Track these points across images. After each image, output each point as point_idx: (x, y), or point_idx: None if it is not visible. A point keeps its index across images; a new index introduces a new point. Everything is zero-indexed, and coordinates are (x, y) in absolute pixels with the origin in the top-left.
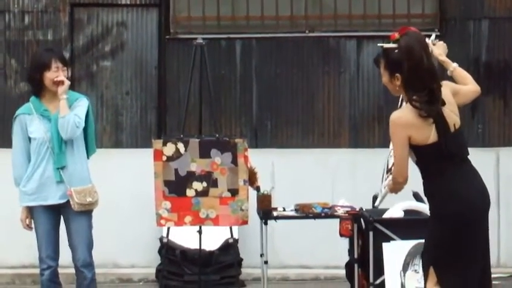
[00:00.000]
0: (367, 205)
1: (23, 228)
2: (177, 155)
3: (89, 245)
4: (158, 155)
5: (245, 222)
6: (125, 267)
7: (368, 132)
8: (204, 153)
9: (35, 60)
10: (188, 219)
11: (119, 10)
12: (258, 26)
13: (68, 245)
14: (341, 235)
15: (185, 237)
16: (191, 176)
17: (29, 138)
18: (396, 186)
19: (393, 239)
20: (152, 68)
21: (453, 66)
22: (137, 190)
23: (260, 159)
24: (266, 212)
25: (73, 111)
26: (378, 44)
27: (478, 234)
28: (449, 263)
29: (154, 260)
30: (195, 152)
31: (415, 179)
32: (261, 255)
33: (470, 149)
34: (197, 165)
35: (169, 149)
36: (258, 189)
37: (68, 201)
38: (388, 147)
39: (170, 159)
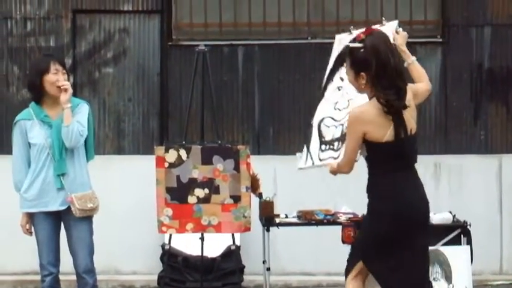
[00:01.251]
0: None
1: (24, 234)
2: (179, 161)
3: (91, 251)
4: (160, 161)
5: (248, 229)
6: (127, 273)
7: None
8: (206, 160)
9: (34, 65)
10: (189, 226)
11: (121, 17)
12: (260, 33)
13: (69, 251)
14: (344, 242)
15: (187, 244)
16: (193, 183)
17: (29, 144)
18: (338, 172)
19: None
20: (155, 75)
21: (412, 59)
22: (139, 196)
23: (262, 165)
24: (268, 218)
25: (75, 117)
26: (345, 44)
27: (412, 240)
28: (381, 260)
29: (156, 266)
30: (197, 159)
31: None
32: (263, 262)
33: (473, 156)
34: (199, 172)
35: (171, 156)
36: (260, 195)
37: (68, 208)
38: None
39: (172, 165)
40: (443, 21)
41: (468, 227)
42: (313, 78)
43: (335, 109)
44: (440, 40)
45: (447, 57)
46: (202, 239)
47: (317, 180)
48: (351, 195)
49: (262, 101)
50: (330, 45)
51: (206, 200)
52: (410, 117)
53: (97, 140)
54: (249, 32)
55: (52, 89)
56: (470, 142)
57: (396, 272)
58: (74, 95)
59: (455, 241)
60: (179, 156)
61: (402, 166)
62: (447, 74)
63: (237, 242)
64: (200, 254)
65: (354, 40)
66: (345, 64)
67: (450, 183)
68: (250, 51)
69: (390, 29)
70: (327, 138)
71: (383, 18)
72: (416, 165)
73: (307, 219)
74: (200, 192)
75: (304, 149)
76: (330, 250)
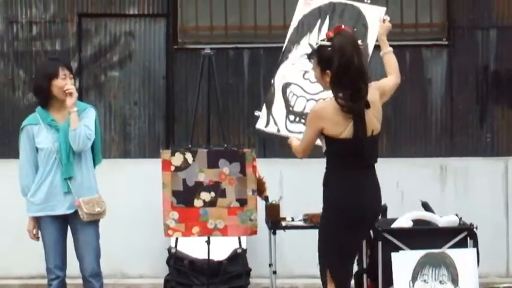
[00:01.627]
0: None
1: (30, 239)
2: (185, 165)
3: (97, 255)
4: (166, 165)
5: (254, 233)
6: (133, 277)
7: None
8: (212, 163)
9: (41, 69)
10: (196, 229)
11: (127, 20)
12: (266, 36)
13: (76, 255)
14: None
15: (193, 247)
16: (199, 186)
17: (36, 149)
18: (293, 152)
19: (402, 249)
20: (160, 78)
21: (387, 50)
22: (145, 200)
23: (268, 168)
24: (275, 222)
25: (82, 121)
26: (315, 42)
27: (358, 235)
28: (336, 257)
29: (162, 270)
30: (203, 162)
31: (423, 190)
32: (270, 265)
33: (479, 159)
34: (205, 176)
35: (177, 159)
36: (266, 199)
37: (75, 212)
38: (396, 156)
39: (178, 169)
40: (448, 23)
41: (474, 229)
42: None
43: (304, 78)
44: (446, 43)
45: (453, 60)
46: (208, 242)
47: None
48: None
49: None
50: None
51: (212, 203)
52: (373, 117)
53: (103, 143)
54: (255, 35)
55: (60, 93)
56: (476, 145)
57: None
58: (80, 98)
59: (462, 244)
60: (185, 160)
61: (358, 164)
62: (453, 76)
63: (244, 245)
64: (206, 257)
65: (323, 39)
66: (315, 30)
67: (456, 186)
68: (255, 54)
69: (377, 14)
70: (297, 109)
71: None
72: (423, 168)
73: (313, 222)
74: (206, 196)
75: (264, 108)
76: None
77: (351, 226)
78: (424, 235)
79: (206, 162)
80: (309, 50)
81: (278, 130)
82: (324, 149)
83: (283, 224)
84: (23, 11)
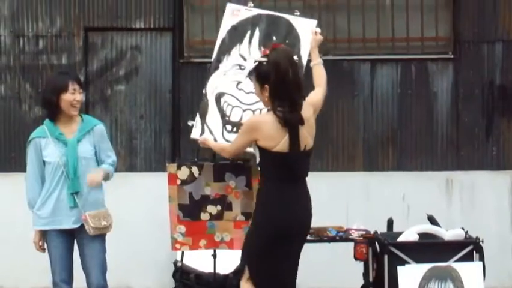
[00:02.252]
0: (382, 228)
1: (36, 251)
2: (191, 178)
3: (103, 269)
4: (172, 178)
5: None
6: None
7: (382, 155)
8: (218, 177)
9: (51, 83)
10: (203, 242)
11: (133, 34)
12: None
13: (82, 269)
14: (356, 259)
15: (199, 260)
16: (205, 200)
17: (43, 162)
18: (220, 153)
19: (408, 263)
20: (166, 92)
21: (317, 61)
22: (151, 214)
23: None
24: None
25: (104, 152)
26: (253, 60)
27: (289, 247)
28: (263, 270)
29: (168, 283)
30: (209, 176)
31: (428, 203)
32: None
33: (484, 172)
34: (211, 189)
35: (183, 173)
36: None
37: (81, 226)
38: (402, 170)
39: (184, 183)
40: (454, 37)
41: (480, 243)
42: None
43: (238, 89)
44: (452, 56)
45: (458, 74)
46: (214, 255)
47: (329, 196)
48: (364, 212)
49: None
50: (341, 62)
51: (218, 216)
52: (307, 133)
53: None
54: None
55: (68, 107)
56: (482, 158)
57: (274, 278)
58: (86, 112)
59: (468, 257)
60: (191, 174)
61: (289, 177)
62: (458, 90)
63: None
64: (212, 270)
65: (261, 56)
66: (245, 41)
67: (462, 200)
68: None
69: (308, 26)
70: (233, 119)
71: (296, 11)
72: (428, 181)
73: (319, 236)
74: (212, 209)
75: (198, 118)
76: (343, 267)
77: (280, 237)
78: (430, 249)
79: (212, 176)
80: (241, 61)
81: (215, 139)
82: (257, 160)
83: None
84: (30, 25)
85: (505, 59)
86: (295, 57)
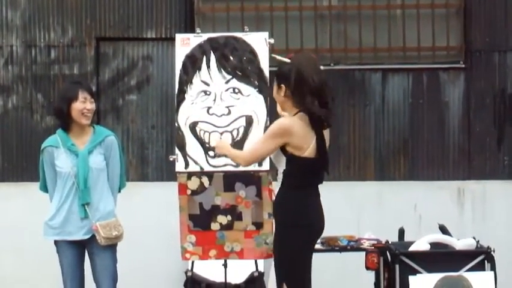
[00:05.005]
0: (393, 238)
1: (47, 262)
2: (201, 188)
3: (115, 280)
4: (182, 188)
5: (270, 256)
6: None
7: (393, 164)
8: (229, 187)
9: (62, 92)
10: (213, 252)
11: (144, 44)
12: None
13: (93, 280)
14: (367, 268)
15: (210, 270)
16: (215, 210)
17: (55, 170)
18: (235, 160)
19: (420, 272)
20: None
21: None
22: (162, 223)
23: None
24: None
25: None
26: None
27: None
28: (300, 275)
29: None
30: (220, 186)
31: (440, 213)
32: None
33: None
34: (221, 199)
35: (193, 183)
36: None
37: (92, 236)
38: (413, 179)
39: (194, 193)
40: (465, 46)
41: (492, 252)
42: (335, 104)
43: (210, 114)
44: (463, 66)
45: (470, 83)
46: (225, 265)
47: (340, 206)
48: (375, 221)
49: None
50: (352, 72)
51: (229, 226)
52: (327, 139)
53: None
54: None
55: (79, 116)
56: (493, 167)
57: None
58: (98, 122)
59: (479, 267)
60: (201, 184)
61: (316, 182)
62: (470, 99)
63: (260, 269)
64: (223, 280)
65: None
66: (203, 67)
67: (473, 209)
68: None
69: (261, 39)
70: (214, 144)
71: (246, 27)
72: (440, 191)
73: (331, 245)
74: (223, 219)
75: (177, 151)
76: (354, 276)
77: (312, 243)
78: (441, 258)
79: (222, 186)
80: (204, 87)
81: (201, 168)
82: (280, 168)
83: None
84: (42, 35)
85: None
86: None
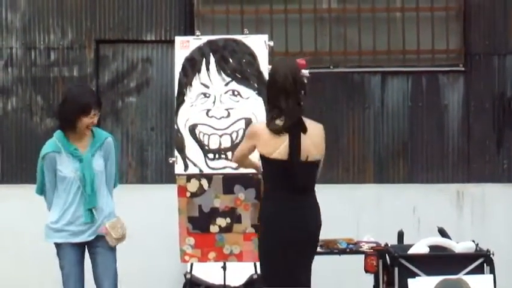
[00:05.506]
0: (392, 241)
1: (48, 263)
2: (201, 191)
3: (115, 280)
4: (182, 191)
5: None
6: None
7: (392, 167)
8: (228, 189)
9: (75, 100)
10: (212, 255)
11: (144, 46)
12: None
13: (94, 280)
14: (366, 271)
15: (209, 272)
16: (215, 212)
17: (55, 175)
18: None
19: (419, 275)
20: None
21: None
22: (162, 225)
23: None
24: None
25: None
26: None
27: (296, 261)
28: (269, 282)
29: None
30: (219, 188)
31: (439, 216)
32: None
33: (495, 185)
34: (221, 201)
35: (192, 185)
36: None
37: (95, 238)
38: (412, 182)
39: (194, 195)
40: (465, 49)
41: (491, 255)
42: (335, 107)
43: (209, 116)
44: (462, 69)
45: (469, 86)
46: (224, 268)
47: (339, 209)
48: (374, 224)
49: None
50: (352, 75)
51: (228, 229)
52: (310, 143)
53: (120, 169)
54: (271, 62)
55: (83, 128)
56: (493, 171)
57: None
58: (98, 125)
59: (478, 270)
60: (200, 186)
61: (289, 186)
62: (469, 102)
63: (259, 271)
64: (223, 283)
65: None
66: (203, 69)
67: (473, 212)
68: None
69: (260, 41)
70: (213, 146)
71: (245, 30)
72: (438, 194)
73: (329, 248)
74: (222, 222)
75: (177, 153)
76: (353, 279)
77: (278, 248)
78: (441, 261)
79: (221, 188)
80: (204, 89)
81: (200, 170)
82: (260, 170)
83: None
84: (41, 37)
85: None
86: (306, 72)
